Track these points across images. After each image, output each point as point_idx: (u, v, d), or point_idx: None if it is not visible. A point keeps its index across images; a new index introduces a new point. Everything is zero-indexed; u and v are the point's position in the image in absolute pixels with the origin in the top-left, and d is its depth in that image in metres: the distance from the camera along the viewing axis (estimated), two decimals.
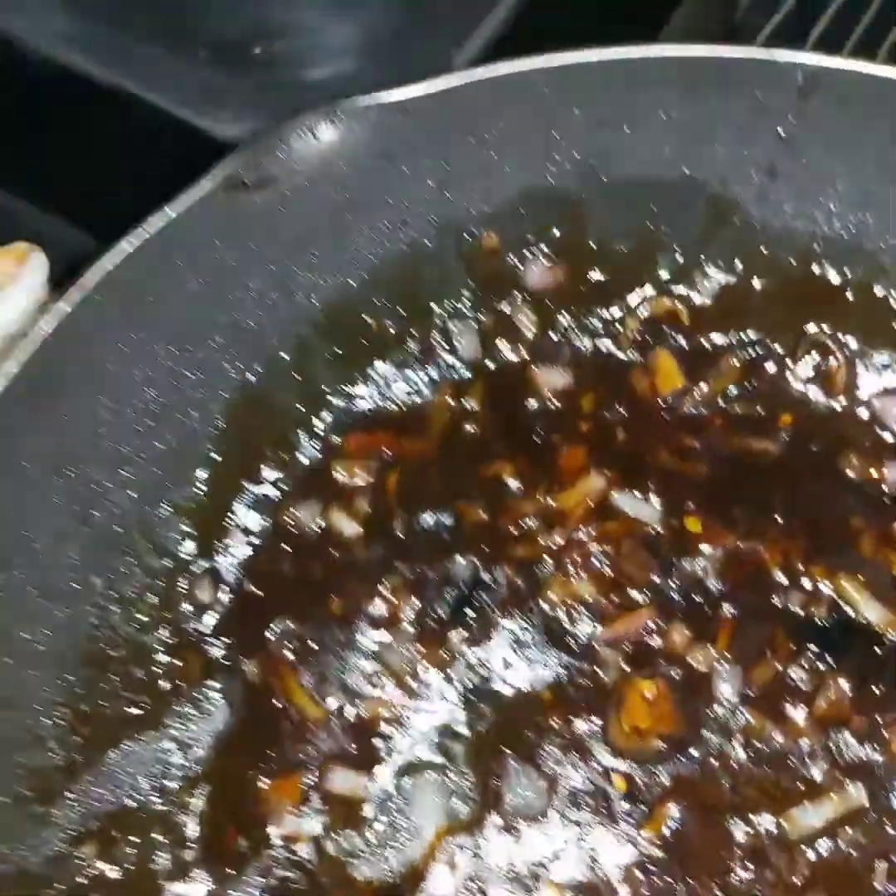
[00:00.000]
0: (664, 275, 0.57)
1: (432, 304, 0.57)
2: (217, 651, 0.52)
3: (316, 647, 0.52)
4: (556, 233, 0.56)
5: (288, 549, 0.54)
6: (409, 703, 0.51)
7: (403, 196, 0.54)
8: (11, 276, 0.68)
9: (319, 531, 0.54)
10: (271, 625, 0.52)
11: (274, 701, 0.51)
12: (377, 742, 0.51)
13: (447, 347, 0.57)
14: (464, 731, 0.51)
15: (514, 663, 0.52)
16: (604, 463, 0.55)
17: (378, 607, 0.53)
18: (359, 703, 0.51)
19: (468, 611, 0.52)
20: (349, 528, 0.54)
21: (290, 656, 0.52)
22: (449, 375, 0.57)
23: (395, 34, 0.64)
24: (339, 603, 0.53)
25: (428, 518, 0.54)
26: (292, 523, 0.54)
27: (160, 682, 0.51)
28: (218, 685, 0.52)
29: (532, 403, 0.57)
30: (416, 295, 0.56)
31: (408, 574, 0.53)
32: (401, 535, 0.54)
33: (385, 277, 0.55)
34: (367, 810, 0.49)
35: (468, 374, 0.57)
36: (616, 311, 0.58)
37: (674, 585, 0.53)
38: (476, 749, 0.50)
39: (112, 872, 0.47)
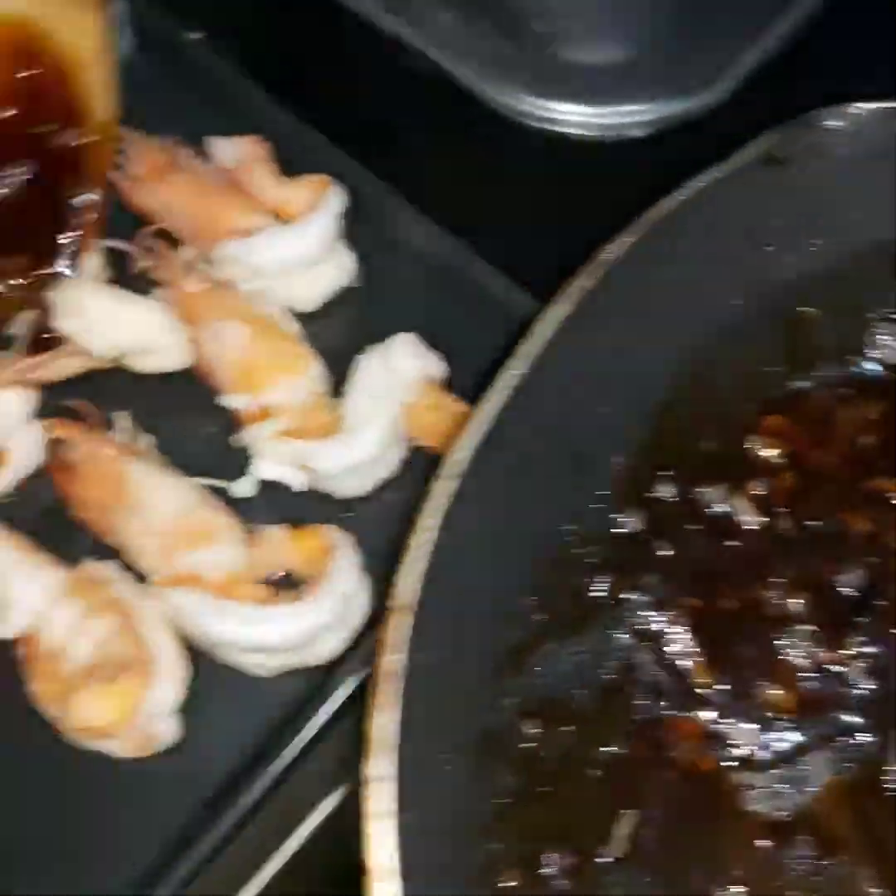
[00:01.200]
0: None
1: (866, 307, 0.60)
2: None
3: (710, 636, 0.55)
4: None
5: (694, 525, 0.57)
6: (806, 697, 0.54)
7: (881, 198, 0.57)
8: (309, 205, 0.73)
9: (723, 514, 0.57)
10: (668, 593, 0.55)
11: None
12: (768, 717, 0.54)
13: (873, 349, 0.60)
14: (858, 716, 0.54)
15: None
16: None
17: (770, 604, 0.55)
18: (751, 693, 0.54)
19: (861, 617, 0.55)
20: (748, 516, 0.57)
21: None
22: (866, 379, 0.60)
23: (676, 31, 0.65)
24: (733, 595, 0.55)
25: (814, 522, 0.57)
26: (702, 499, 0.57)
27: (591, 593, 0.55)
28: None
29: None
30: (854, 294, 0.59)
31: (794, 574, 0.55)
32: (788, 535, 0.56)
33: (830, 272, 0.58)
34: (763, 756, 0.53)
35: (883, 381, 0.60)
36: None
37: None
38: (873, 720, 0.53)
39: (544, 752, 0.52)
